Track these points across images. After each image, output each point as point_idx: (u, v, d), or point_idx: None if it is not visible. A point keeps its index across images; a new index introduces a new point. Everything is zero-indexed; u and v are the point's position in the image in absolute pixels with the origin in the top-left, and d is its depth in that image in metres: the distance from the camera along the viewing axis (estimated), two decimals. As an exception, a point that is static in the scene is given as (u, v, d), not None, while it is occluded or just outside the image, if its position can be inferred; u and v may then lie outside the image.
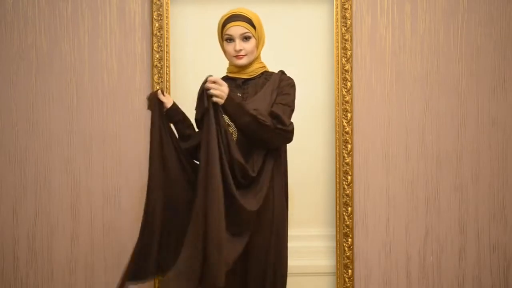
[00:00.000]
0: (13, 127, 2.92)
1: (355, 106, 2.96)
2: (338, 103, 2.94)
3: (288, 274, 2.33)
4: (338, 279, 2.97)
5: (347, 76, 2.93)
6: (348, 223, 2.95)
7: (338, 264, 2.97)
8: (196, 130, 2.40)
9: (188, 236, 2.09)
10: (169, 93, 2.90)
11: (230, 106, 2.13)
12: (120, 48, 2.93)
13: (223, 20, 2.31)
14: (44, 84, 2.92)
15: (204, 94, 2.12)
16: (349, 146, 2.95)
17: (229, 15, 2.30)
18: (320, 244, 3.04)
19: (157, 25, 2.89)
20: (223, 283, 2.06)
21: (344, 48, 2.93)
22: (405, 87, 2.98)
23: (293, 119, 2.36)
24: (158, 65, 2.90)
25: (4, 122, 2.92)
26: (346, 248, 2.96)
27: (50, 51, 2.92)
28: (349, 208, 2.95)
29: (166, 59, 2.90)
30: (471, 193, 3.00)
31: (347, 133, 2.94)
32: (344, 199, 2.95)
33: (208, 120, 2.11)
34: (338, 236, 2.97)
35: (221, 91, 2.10)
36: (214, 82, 2.10)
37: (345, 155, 2.95)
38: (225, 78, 2.40)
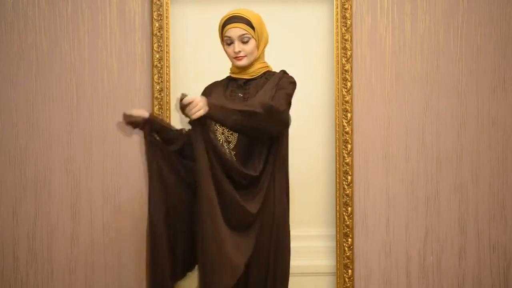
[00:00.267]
0: (13, 127, 2.92)
1: (355, 106, 2.96)
2: (338, 103, 2.94)
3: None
4: (338, 279, 2.97)
5: (347, 76, 2.93)
6: (348, 223, 2.95)
7: (338, 264, 2.97)
8: (177, 128, 2.38)
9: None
10: (169, 93, 2.90)
11: (214, 112, 2.06)
12: (120, 48, 2.93)
13: (222, 22, 2.30)
14: (44, 84, 2.92)
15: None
16: (349, 146, 2.95)
17: (228, 16, 2.29)
18: (320, 244, 3.04)
19: (157, 25, 2.89)
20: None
21: (344, 48, 2.93)
22: (405, 87, 2.99)
23: (293, 119, 2.36)
24: (158, 65, 2.90)
25: (4, 122, 2.92)
26: (346, 248, 2.96)
27: (50, 51, 2.92)
28: (349, 208, 2.95)
29: (166, 59, 2.90)
30: (471, 193, 3.00)
31: (347, 133, 2.94)
32: (344, 199, 2.95)
33: (194, 138, 2.07)
34: (338, 236, 2.97)
35: (196, 108, 2.02)
36: (185, 106, 2.02)
37: (345, 155, 2.95)
38: (228, 79, 2.40)
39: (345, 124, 2.95)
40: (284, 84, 2.27)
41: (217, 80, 2.46)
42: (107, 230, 2.94)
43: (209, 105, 2.04)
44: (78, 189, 2.93)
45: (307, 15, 3.01)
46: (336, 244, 2.97)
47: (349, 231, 2.95)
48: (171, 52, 2.92)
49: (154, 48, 2.89)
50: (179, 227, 2.25)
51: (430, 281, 2.99)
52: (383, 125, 2.98)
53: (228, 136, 2.28)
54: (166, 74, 2.90)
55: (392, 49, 2.98)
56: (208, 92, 2.42)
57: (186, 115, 2.04)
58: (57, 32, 2.92)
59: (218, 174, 2.10)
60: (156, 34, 2.89)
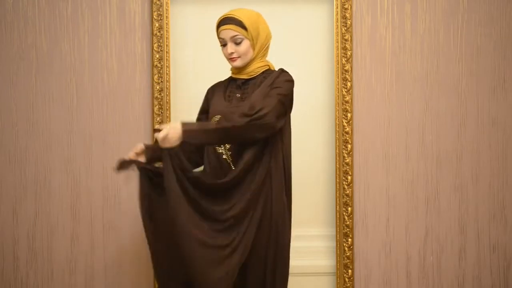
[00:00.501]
0: (13, 127, 2.92)
1: (355, 106, 2.96)
2: (338, 103, 2.94)
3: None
4: (338, 279, 2.97)
5: (347, 76, 2.93)
6: (348, 223, 2.95)
7: (338, 264, 2.97)
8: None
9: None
10: (169, 93, 2.90)
11: (192, 138, 2.12)
12: (120, 48, 2.93)
13: (217, 23, 2.31)
14: (44, 84, 2.92)
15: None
16: (349, 146, 2.95)
17: (221, 18, 2.29)
18: (320, 244, 3.04)
19: (157, 25, 2.89)
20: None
21: (344, 48, 2.93)
22: (405, 87, 2.98)
23: (293, 119, 2.36)
24: (158, 65, 2.90)
25: (4, 122, 2.92)
26: (346, 248, 2.96)
27: (50, 51, 2.92)
28: (349, 208, 2.95)
29: (166, 59, 2.90)
30: (471, 193, 3.00)
31: (347, 133, 2.94)
32: (344, 199, 2.95)
33: (165, 169, 2.12)
34: (338, 236, 2.97)
35: (169, 139, 2.08)
36: (159, 140, 2.09)
37: (345, 155, 2.95)
38: (229, 79, 2.41)
39: (345, 124, 2.95)
40: (278, 83, 2.25)
41: (218, 80, 2.46)
42: (107, 230, 2.94)
43: (184, 132, 2.09)
44: (78, 189, 2.93)
45: (307, 15, 3.01)
46: (336, 244, 2.97)
47: (349, 231, 2.95)
48: (171, 52, 2.92)
49: (154, 48, 2.89)
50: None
51: (430, 281, 2.99)
52: (383, 125, 2.98)
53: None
54: (166, 74, 2.90)
55: (392, 49, 2.98)
56: (210, 93, 2.43)
57: (163, 148, 2.10)
58: (57, 32, 2.92)
59: (193, 195, 2.14)
60: (156, 34, 2.89)
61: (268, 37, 2.34)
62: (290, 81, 2.29)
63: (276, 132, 2.23)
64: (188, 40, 3.00)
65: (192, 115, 2.46)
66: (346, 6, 2.92)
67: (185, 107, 2.97)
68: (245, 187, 2.20)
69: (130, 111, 2.93)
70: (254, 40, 2.28)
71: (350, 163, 2.95)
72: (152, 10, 2.90)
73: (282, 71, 2.33)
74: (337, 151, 2.95)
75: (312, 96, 3.01)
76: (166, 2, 2.90)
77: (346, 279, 2.96)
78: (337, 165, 2.95)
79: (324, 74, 3.02)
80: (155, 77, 2.90)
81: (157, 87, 2.89)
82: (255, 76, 2.33)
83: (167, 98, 2.90)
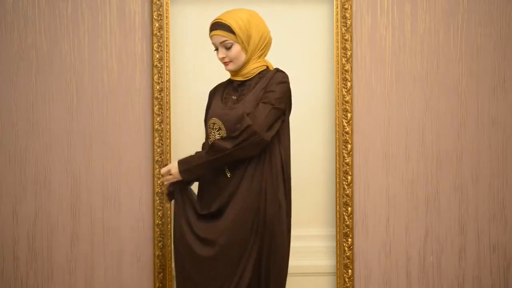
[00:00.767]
0: (13, 127, 2.92)
1: (355, 106, 2.96)
2: (338, 103, 2.94)
3: (288, 274, 2.32)
4: (338, 279, 2.97)
5: (347, 76, 2.93)
6: (348, 223, 2.95)
7: (338, 264, 2.97)
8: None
9: None
10: (169, 93, 2.90)
11: (188, 174, 2.27)
12: (120, 48, 2.93)
13: (209, 28, 2.31)
14: (44, 84, 2.92)
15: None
16: (349, 146, 2.95)
17: (212, 23, 2.29)
18: (320, 244, 3.04)
19: (157, 25, 2.89)
20: None
21: (344, 48, 2.93)
22: (405, 87, 2.98)
23: (293, 119, 2.36)
24: (158, 65, 2.90)
25: (4, 122, 2.92)
26: (346, 248, 2.96)
27: (50, 51, 2.92)
28: (349, 208, 2.95)
29: (166, 59, 2.90)
30: (471, 193, 3.00)
31: (347, 133, 2.94)
32: (344, 199, 2.95)
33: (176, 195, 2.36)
34: (338, 236, 2.97)
35: (171, 178, 2.31)
36: (162, 174, 2.34)
37: (345, 155, 2.95)
38: (228, 80, 2.40)
39: (345, 124, 2.95)
40: (271, 87, 2.23)
41: (218, 80, 2.47)
42: (107, 230, 2.94)
43: (180, 172, 2.26)
44: (78, 189, 2.93)
45: (307, 15, 3.01)
46: (336, 244, 2.97)
47: (349, 231, 2.95)
48: (171, 52, 2.92)
49: (154, 48, 2.89)
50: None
51: (430, 281, 2.99)
52: (383, 125, 2.98)
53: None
54: (166, 74, 2.90)
55: (392, 49, 2.98)
56: (211, 96, 2.44)
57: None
58: (57, 32, 2.92)
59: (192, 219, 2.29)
60: (156, 34, 2.89)
61: (263, 37, 2.29)
62: (284, 83, 2.25)
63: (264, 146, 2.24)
64: (188, 40, 3.00)
65: (192, 115, 2.47)
66: (346, 6, 2.92)
67: (185, 107, 2.97)
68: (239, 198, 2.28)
69: (130, 111, 2.93)
70: (245, 43, 2.25)
71: (350, 163, 2.95)
72: (152, 10, 2.90)
73: (276, 71, 2.30)
74: (337, 151, 2.95)
75: (312, 96, 3.01)
76: (166, 2, 2.90)
77: (346, 279, 2.96)
78: (337, 165, 2.95)
79: (324, 74, 3.02)
80: (155, 77, 2.90)
81: (157, 87, 2.89)
82: (251, 78, 2.31)
83: (167, 98, 2.90)
